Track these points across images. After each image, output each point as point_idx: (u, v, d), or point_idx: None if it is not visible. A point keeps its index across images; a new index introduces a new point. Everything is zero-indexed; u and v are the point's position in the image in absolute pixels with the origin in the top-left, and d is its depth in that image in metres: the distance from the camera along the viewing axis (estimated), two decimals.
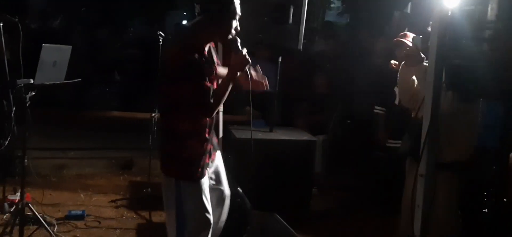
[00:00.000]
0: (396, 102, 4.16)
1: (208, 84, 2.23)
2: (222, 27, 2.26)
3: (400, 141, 4.12)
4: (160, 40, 4.10)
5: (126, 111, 5.78)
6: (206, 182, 2.48)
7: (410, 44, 3.98)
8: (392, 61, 4.17)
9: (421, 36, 2.75)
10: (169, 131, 2.38)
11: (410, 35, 4.04)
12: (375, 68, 5.12)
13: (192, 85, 2.19)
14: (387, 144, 4.33)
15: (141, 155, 5.30)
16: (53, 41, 3.37)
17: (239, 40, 2.29)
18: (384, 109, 4.42)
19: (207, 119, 2.38)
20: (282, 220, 2.92)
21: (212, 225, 2.49)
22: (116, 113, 5.55)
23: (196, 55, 2.20)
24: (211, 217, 2.48)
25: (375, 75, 4.89)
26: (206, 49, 2.34)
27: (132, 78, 8.15)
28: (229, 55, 2.35)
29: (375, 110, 4.45)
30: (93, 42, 8.69)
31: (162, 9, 13.38)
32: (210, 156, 2.50)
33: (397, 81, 3.07)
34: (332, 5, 13.66)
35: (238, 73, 2.29)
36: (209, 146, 2.45)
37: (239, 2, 2.28)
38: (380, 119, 4.42)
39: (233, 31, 2.29)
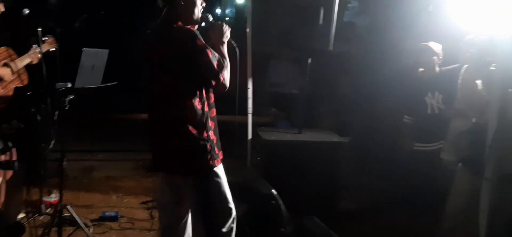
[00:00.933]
0: (429, 110, 4.11)
1: (212, 50, 2.28)
2: (187, 11, 2.31)
3: (430, 145, 4.11)
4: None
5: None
6: (221, 171, 2.43)
7: (437, 50, 3.98)
8: (420, 69, 4.16)
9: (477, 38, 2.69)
10: (182, 123, 2.28)
11: (434, 45, 4.03)
12: (402, 71, 5.09)
13: (206, 55, 2.21)
14: (415, 148, 4.28)
15: None
16: (77, 44, 3.43)
17: (209, 16, 2.36)
18: (412, 118, 4.34)
19: (212, 97, 2.39)
20: (321, 223, 2.92)
21: (234, 215, 2.46)
22: (142, 116, 5.57)
23: (192, 28, 2.28)
24: (233, 206, 2.46)
25: (402, 79, 4.85)
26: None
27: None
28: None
29: (404, 120, 4.37)
30: (118, 44, 8.76)
31: None
32: (217, 148, 2.41)
33: (458, 84, 3.00)
34: (348, 5, 13.62)
35: (225, 40, 2.35)
36: (214, 136, 2.39)
37: None
38: (407, 128, 4.35)
39: (200, 10, 2.34)
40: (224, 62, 2.30)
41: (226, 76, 2.29)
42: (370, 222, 4.26)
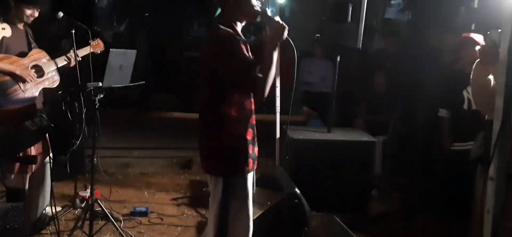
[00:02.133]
0: (465, 105, 3.96)
1: (250, 57, 2.21)
2: (243, 6, 2.25)
3: (467, 143, 3.94)
4: None
5: (187, 112, 5.95)
6: (251, 181, 2.39)
7: (479, 41, 3.79)
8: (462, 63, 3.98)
9: (499, 31, 2.56)
10: (212, 126, 2.29)
11: (476, 36, 3.84)
12: (442, 67, 4.91)
13: (237, 60, 2.15)
14: (453, 148, 4.12)
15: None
16: (120, 45, 3.58)
17: (268, 9, 2.25)
18: (449, 112, 4.19)
19: (252, 104, 2.34)
20: (340, 222, 2.87)
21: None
22: (177, 114, 5.73)
23: (230, 32, 2.21)
24: (251, 226, 2.39)
25: (442, 74, 4.68)
26: (238, 30, 2.31)
27: (193, 80, 8.35)
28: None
29: (439, 114, 4.23)
30: (156, 44, 9.03)
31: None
32: (254, 149, 2.39)
33: (471, 81, 2.89)
34: (392, 2, 13.26)
35: (277, 46, 2.21)
36: (254, 135, 2.37)
37: None
38: (445, 123, 4.19)
39: (257, 5, 2.25)
40: (264, 68, 2.19)
41: (262, 84, 2.18)
42: (401, 224, 4.15)
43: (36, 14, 3.30)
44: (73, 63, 3.44)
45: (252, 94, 2.35)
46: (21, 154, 2.01)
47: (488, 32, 2.52)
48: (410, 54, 5.87)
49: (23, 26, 3.36)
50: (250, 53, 2.28)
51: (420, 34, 6.16)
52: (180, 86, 8.83)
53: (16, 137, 2.05)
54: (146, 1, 11.31)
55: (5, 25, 2.36)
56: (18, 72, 3.10)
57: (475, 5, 7.29)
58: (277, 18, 2.20)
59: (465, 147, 3.97)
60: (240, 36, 2.29)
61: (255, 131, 2.39)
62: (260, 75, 2.18)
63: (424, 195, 4.67)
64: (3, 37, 3.00)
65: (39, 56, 3.34)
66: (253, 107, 2.38)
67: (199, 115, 2.39)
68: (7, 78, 3.06)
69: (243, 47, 2.23)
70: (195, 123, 5.98)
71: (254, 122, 2.39)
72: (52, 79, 3.36)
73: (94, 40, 3.55)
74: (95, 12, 10.32)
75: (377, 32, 7.95)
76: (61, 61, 3.44)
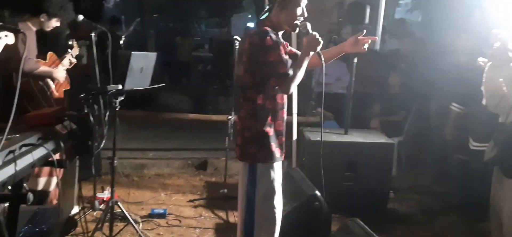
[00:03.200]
0: (484, 101, 3.93)
1: (286, 56, 2.42)
2: (288, 15, 2.46)
3: (485, 145, 3.90)
4: (237, 44, 4.18)
5: (201, 113, 5.96)
6: (280, 170, 2.59)
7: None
8: (480, 59, 3.95)
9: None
10: (249, 116, 2.51)
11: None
12: (456, 67, 4.88)
13: (269, 51, 2.36)
14: (471, 147, 4.09)
15: (215, 156, 5.46)
16: (130, 46, 3.61)
17: (308, 24, 2.44)
18: (462, 107, 4.17)
19: (284, 98, 2.54)
20: (364, 225, 2.86)
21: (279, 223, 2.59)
22: (191, 116, 5.74)
23: (273, 32, 2.43)
24: (279, 213, 2.58)
25: (457, 74, 4.66)
26: (280, 34, 2.53)
27: (206, 82, 8.38)
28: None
29: (451, 107, 4.21)
30: (168, 46, 9.05)
31: (228, 13, 13.66)
32: (283, 139, 2.59)
33: (483, 82, 2.88)
34: (400, 2, 13.24)
35: (311, 53, 2.43)
36: (283, 127, 2.58)
37: None
38: (453, 116, 4.17)
39: (301, 17, 2.47)
40: (296, 70, 2.39)
41: (289, 81, 2.38)
42: (420, 226, 4.12)
43: (57, 23, 3.33)
44: (69, 66, 3.51)
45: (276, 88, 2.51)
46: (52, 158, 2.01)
47: (495, 31, 2.49)
48: (424, 54, 5.85)
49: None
50: (286, 52, 2.51)
51: (433, 34, 6.13)
52: (190, 87, 8.88)
53: (49, 141, 2.06)
54: (155, 2, 11.38)
55: (6, 32, 2.37)
56: (55, 74, 3.13)
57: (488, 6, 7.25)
58: (315, 33, 2.41)
59: (481, 147, 3.94)
60: (279, 38, 2.51)
61: (285, 124, 2.60)
62: (290, 72, 2.39)
63: (443, 196, 4.64)
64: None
65: (54, 58, 3.37)
66: (284, 101, 2.57)
67: (238, 106, 2.65)
68: (46, 81, 3.09)
69: (279, 41, 2.44)
70: (209, 125, 5.99)
71: (285, 115, 2.60)
72: (67, 80, 3.39)
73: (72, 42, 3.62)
74: (104, 13, 10.37)
75: (389, 32, 7.93)
76: (66, 62, 3.47)
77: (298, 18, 2.45)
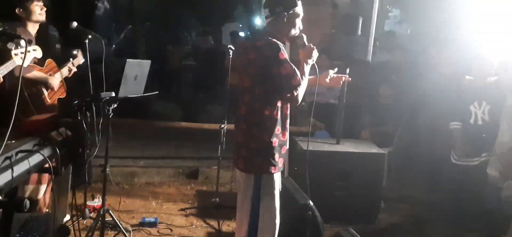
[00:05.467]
0: (472, 120, 3.99)
1: (293, 66, 2.48)
2: (288, 26, 2.54)
3: (474, 159, 3.96)
4: (230, 53, 4.21)
5: (192, 122, 5.94)
6: (277, 180, 2.64)
7: (490, 59, 3.85)
8: (467, 77, 4.03)
9: None
10: (255, 127, 2.54)
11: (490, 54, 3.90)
12: (441, 79, 4.96)
13: (282, 64, 2.43)
14: (459, 162, 4.13)
15: (206, 165, 5.45)
16: (121, 54, 3.61)
17: (304, 36, 2.56)
18: (460, 124, 4.21)
19: (288, 108, 2.60)
20: (357, 234, 2.88)
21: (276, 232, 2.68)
22: (183, 124, 5.72)
23: (280, 42, 2.50)
24: (278, 220, 2.67)
25: (447, 87, 4.73)
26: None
27: (196, 90, 8.38)
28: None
29: (451, 126, 4.22)
30: (158, 54, 9.03)
31: (219, 22, 13.71)
32: (285, 148, 2.66)
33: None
34: (390, 14, 13.42)
35: (309, 61, 2.54)
36: (287, 137, 2.64)
37: (301, 4, 2.56)
38: (458, 135, 4.18)
39: (298, 29, 2.57)
40: (302, 79, 2.49)
41: (300, 92, 2.49)
42: (408, 235, 4.16)
43: (44, 10, 3.32)
44: (69, 74, 3.52)
45: (285, 100, 2.58)
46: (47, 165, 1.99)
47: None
48: (413, 66, 5.93)
49: (36, 33, 3.37)
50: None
51: (421, 46, 6.23)
52: (181, 95, 8.85)
53: (45, 148, 2.04)
54: (146, 10, 11.37)
55: (35, 46, 2.39)
56: (49, 81, 3.11)
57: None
58: (311, 45, 2.54)
59: (472, 162, 4.01)
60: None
61: (288, 133, 2.66)
62: (297, 84, 2.47)
63: (432, 206, 4.69)
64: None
65: (52, 65, 3.35)
66: (289, 111, 2.63)
67: (238, 117, 2.65)
68: (39, 87, 3.07)
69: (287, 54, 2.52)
70: (201, 133, 5.97)
71: (288, 125, 2.65)
72: (63, 88, 3.37)
73: (77, 51, 3.61)
74: (95, 20, 10.33)
75: (379, 44, 8.03)
76: (66, 71, 3.46)
77: (297, 30, 2.54)
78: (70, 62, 3.56)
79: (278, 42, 2.48)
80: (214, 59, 7.17)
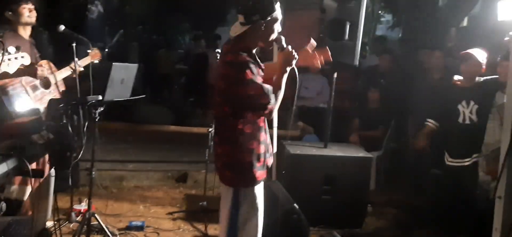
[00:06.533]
0: (460, 119, 4.01)
1: (262, 82, 2.37)
2: (266, 33, 2.39)
3: (464, 160, 3.98)
4: (218, 57, 4.21)
5: (181, 125, 5.95)
6: (260, 192, 2.57)
7: (479, 58, 3.88)
8: (456, 77, 4.07)
9: None
10: (227, 141, 2.48)
11: (476, 52, 3.93)
12: (432, 84, 5.01)
13: (249, 85, 2.31)
14: (448, 163, 4.16)
15: (195, 168, 5.44)
16: (112, 57, 3.62)
17: (282, 38, 2.42)
18: (436, 124, 4.28)
19: (262, 120, 2.50)
20: None
21: None
22: (172, 128, 5.73)
23: (247, 56, 2.37)
24: (260, 229, 2.59)
25: (432, 90, 4.78)
26: (254, 52, 2.48)
27: (186, 94, 8.38)
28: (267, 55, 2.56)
29: (425, 122, 4.32)
30: (149, 57, 9.03)
31: (212, 25, 13.70)
32: (265, 160, 2.56)
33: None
34: (382, 19, 13.51)
35: (288, 69, 2.40)
36: (264, 149, 2.53)
37: (279, 7, 2.41)
38: (427, 130, 4.28)
39: (276, 33, 2.43)
40: (276, 93, 2.37)
41: (273, 107, 2.36)
42: None
43: (34, 13, 3.32)
44: (75, 74, 3.47)
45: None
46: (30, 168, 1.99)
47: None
48: (402, 71, 5.98)
49: (29, 37, 3.37)
50: (261, 75, 2.43)
51: (412, 51, 6.28)
52: (172, 99, 8.85)
53: (25, 151, 2.04)
54: (139, 14, 11.36)
55: (24, 53, 2.38)
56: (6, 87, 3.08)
57: (465, 24, 7.48)
58: (290, 48, 2.38)
59: (460, 164, 4.03)
60: (255, 60, 2.44)
61: (268, 144, 2.56)
62: (270, 97, 2.34)
63: (419, 210, 4.71)
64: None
65: (45, 67, 3.35)
66: (264, 124, 2.53)
67: (214, 129, 2.64)
68: (19, 89, 3.06)
69: (256, 70, 2.38)
70: (189, 137, 5.97)
71: (266, 137, 2.55)
72: (57, 90, 3.37)
73: (92, 49, 3.59)
74: (87, 24, 10.31)
75: (369, 48, 8.08)
76: (66, 72, 3.46)
77: (275, 35, 2.41)
78: (76, 62, 3.53)
79: (247, 59, 2.34)
80: (206, 63, 7.18)
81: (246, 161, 2.44)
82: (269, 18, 2.35)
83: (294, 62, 2.37)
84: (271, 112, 2.37)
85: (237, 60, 2.35)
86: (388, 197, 5.10)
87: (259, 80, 2.35)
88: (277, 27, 2.41)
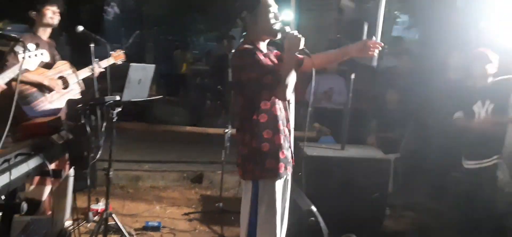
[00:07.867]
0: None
1: (268, 63, 2.44)
2: (262, 23, 2.48)
3: (482, 161, 3.89)
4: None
5: (197, 126, 5.95)
6: (281, 187, 2.55)
7: (491, 58, 3.80)
8: (456, 115, 3.97)
9: None
10: (245, 133, 2.50)
11: (488, 51, 3.84)
12: (451, 84, 4.91)
13: (252, 67, 2.38)
14: (466, 166, 4.07)
15: (211, 169, 5.44)
16: (129, 58, 3.64)
17: (287, 27, 2.47)
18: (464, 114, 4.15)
19: (282, 110, 2.52)
20: None
21: None
22: (188, 128, 5.73)
23: (251, 46, 2.47)
24: (278, 232, 2.56)
25: (451, 91, 4.68)
26: (260, 47, 2.54)
27: (204, 95, 8.39)
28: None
29: (454, 116, 4.15)
30: (166, 58, 9.08)
31: (227, 27, 13.72)
32: (286, 154, 2.54)
33: None
34: (398, 20, 13.33)
35: (293, 56, 2.43)
36: (282, 139, 2.51)
37: None
38: (461, 122, 4.11)
39: (274, 21, 2.48)
40: (285, 75, 2.37)
41: (281, 89, 2.38)
42: None
43: (57, 16, 3.35)
44: (96, 73, 3.49)
45: (278, 100, 2.50)
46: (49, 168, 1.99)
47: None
48: (421, 72, 5.88)
49: (48, 38, 3.40)
50: (273, 64, 2.51)
51: (430, 52, 6.18)
52: (188, 99, 8.87)
53: (45, 151, 2.05)
54: (155, 15, 11.41)
55: (43, 50, 2.40)
56: (45, 82, 3.13)
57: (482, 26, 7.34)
58: (295, 32, 2.41)
59: (480, 165, 3.94)
60: (261, 50, 2.53)
61: (286, 136, 2.55)
62: (276, 75, 2.39)
63: (438, 214, 4.63)
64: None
65: (64, 67, 3.39)
66: (283, 113, 2.54)
67: (236, 128, 2.63)
68: (34, 89, 3.09)
69: (263, 57, 2.46)
70: (205, 138, 5.97)
71: (286, 128, 2.55)
72: (76, 90, 3.39)
73: (115, 50, 3.62)
74: (104, 25, 10.41)
75: (387, 49, 7.97)
76: (85, 73, 3.48)
77: (272, 22, 2.47)
78: (97, 63, 3.55)
79: (249, 47, 2.45)
80: (219, 64, 7.17)
81: (263, 150, 2.45)
82: (257, 11, 2.46)
83: (301, 44, 2.37)
84: (282, 92, 2.38)
85: (238, 49, 2.50)
86: (407, 200, 5.02)
87: (262, 62, 2.42)
88: (272, 15, 2.46)
